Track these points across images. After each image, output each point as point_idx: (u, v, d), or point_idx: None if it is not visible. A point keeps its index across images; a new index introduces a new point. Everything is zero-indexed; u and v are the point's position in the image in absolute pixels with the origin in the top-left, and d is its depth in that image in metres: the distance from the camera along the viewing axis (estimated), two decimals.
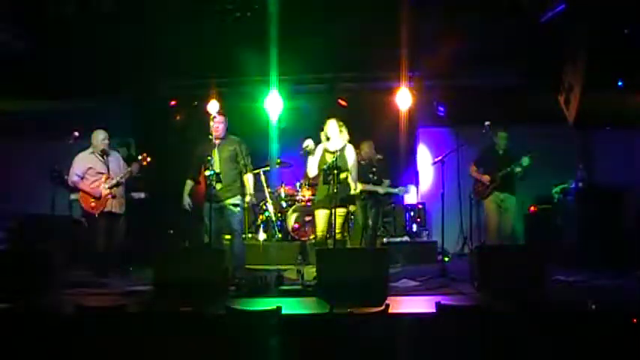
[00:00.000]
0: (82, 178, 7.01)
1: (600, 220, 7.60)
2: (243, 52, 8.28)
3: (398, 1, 7.73)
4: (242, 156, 6.54)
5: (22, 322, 4.49)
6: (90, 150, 7.10)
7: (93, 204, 6.98)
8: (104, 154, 7.12)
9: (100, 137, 7.09)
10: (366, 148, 7.87)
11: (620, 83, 7.16)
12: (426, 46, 8.37)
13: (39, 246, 7.46)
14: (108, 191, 7.01)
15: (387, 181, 7.93)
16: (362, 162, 7.58)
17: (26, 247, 7.66)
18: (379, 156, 8.01)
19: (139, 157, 7.29)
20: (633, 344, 4.10)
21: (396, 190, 8.01)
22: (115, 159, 7.25)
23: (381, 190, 7.79)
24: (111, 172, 7.09)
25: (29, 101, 8.79)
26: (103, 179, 7.03)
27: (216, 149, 6.50)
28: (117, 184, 7.08)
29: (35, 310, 4.69)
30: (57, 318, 4.60)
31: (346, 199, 6.39)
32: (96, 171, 7.04)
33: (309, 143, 6.40)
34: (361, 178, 7.54)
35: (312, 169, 6.44)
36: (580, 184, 7.99)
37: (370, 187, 7.70)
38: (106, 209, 7.00)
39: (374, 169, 7.80)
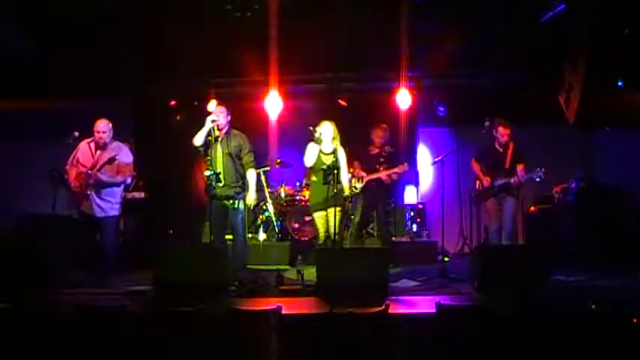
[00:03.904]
0: (76, 168, 6.45)
1: (600, 220, 7.60)
2: (243, 52, 8.28)
3: (398, 1, 7.74)
4: (246, 152, 6.38)
5: (21, 322, 4.49)
6: (89, 140, 6.53)
7: (73, 199, 6.58)
8: (98, 147, 6.45)
9: (95, 127, 6.44)
10: (380, 133, 7.64)
11: (620, 83, 7.17)
12: (426, 46, 8.38)
13: (39, 246, 7.43)
14: (77, 184, 6.41)
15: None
16: (372, 152, 7.59)
17: (26, 247, 7.65)
18: (390, 148, 7.72)
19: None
20: (633, 344, 4.11)
21: (397, 169, 7.61)
22: (109, 155, 6.43)
23: (382, 175, 7.58)
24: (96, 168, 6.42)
25: (29, 101, 8.78)
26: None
27: (218, 144, 6.32)
28: (89, 180, 6.33)
29: (35, 310, 4.70)
30: (57, 318, 4.60)
31: (344, 199, 6.45)
32: (81, 163, 6.46)
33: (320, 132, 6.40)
34: (367, 167, 7.55)
35: (309, 159, 6.46)
36: (580, 184, 7.97)
37: (374, 175, 7.59)
38: (81, 208, 6.49)
39: (381, 160, 7.61)
